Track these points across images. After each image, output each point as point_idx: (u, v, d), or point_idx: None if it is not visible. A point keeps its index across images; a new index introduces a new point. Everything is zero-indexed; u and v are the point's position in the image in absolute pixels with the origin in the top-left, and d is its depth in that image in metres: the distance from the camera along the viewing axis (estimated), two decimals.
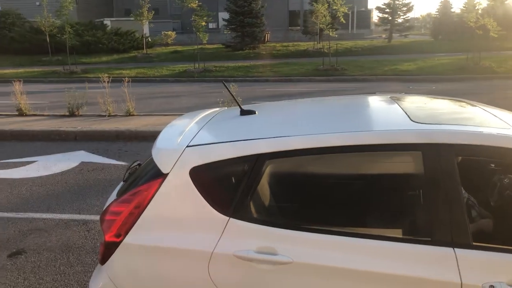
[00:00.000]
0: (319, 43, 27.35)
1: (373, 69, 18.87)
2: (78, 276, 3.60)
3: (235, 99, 2.65)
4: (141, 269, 2.05)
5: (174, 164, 2.04)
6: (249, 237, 1.96)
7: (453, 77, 16.87)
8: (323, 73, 18.66)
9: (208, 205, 1.99)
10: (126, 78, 9.51)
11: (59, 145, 7.54)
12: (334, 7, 18.75)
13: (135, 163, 2.70)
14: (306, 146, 2.03)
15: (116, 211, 2.10)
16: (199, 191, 2.00)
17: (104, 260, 2.12)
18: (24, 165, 6.50)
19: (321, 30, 19.44)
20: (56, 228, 4.47)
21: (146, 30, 30.05)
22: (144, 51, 25.84)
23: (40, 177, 5.98)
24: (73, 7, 20.62)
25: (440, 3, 38.22)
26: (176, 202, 2.03)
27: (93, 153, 7.06)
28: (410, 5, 28.96)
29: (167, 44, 30.96)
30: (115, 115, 9.28)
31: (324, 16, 18.82)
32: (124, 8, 45.59)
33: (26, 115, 9.46)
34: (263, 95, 14.04)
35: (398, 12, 28.85)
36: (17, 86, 9.59)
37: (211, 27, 44.50)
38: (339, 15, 19.04)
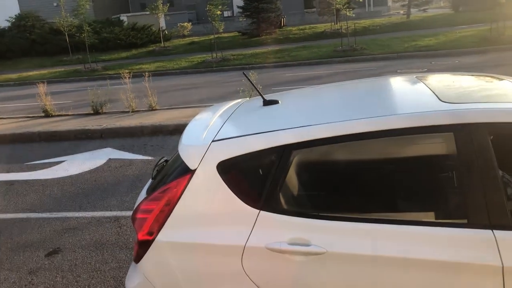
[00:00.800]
0: (337, 24, 26.97)
1: (393, 47, 18.49)
2: (114, 272, 3.68)
3: (256, 90, 2.62)
4: (175, 267, 2.05)
5: (201, 160, 2.03)
6: (280, 229, 1.95)
7: (476, 49, 16.40)
8: (342, 54, 18.39)
9: (238, 199, 1.99)
10: (147, 73, 9.60)
11: (86, 144, 7.68)
12: None
13: (162, 160, 2.72)
14: (333, 134, 1.99)
15: (147, 209, 2.11)
16: (227, 185, 2.00)
17: (138, 258, 2.14)
18: (54, 165, 6.64)
19: (338, 10, 19.07)
20: (89, 226, 4.57)
21: (162, 23, 30.19)
22: (162, 44, 25.95)
23: (70, 176, 6.11)
24: (89, 5, 20.79)
25: None
26: (206, 198, 2.02)
27: (119, 149, 7.16)
28: None
29: (183, 36, 30.97)
30: (138, 111, 9.37)
31: None
32: (140, 3, 45.76)
33: (52, 116, 9.65)
34: (284, 81, 13.96)
35: None
36: (42, 88, 9.78)
37: (226, 15, 44.34)
38: None
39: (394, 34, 22.83)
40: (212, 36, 21.53)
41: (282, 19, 30.44)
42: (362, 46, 18.81)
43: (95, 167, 6.41)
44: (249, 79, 2.73)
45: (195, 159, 2.05)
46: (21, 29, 27.41)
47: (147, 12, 25.19)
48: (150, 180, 2.59)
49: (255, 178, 2.03)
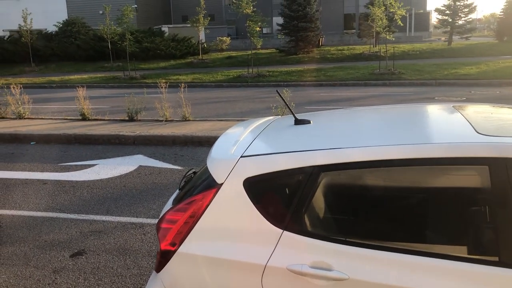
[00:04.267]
0: (375, 46, 26.83)
1: (432, 73, 18.20)
2: (135, 279, 3.70)
3: (289, 108, 2.61)
4: (194, 279, 2.06)
5: (229, 174, 2.03)
6: (303, 251, 1.92)
7: None
8: (379, 77, 18.24)
9: (262, 217, 1.97)
10: (182, 84, 9.76)
11: (118, 149, 7.83)
12: (391, 10, 18.25)
13: (191, 171, 2.74)
14: (365, 158, 1.96)
15: (171, 220, 2.12)
16: (253, 202, 1.99)
17: (159, 268, 2.15)
18: (86, 168, 6.80)
19: (378, 33, 18.99)
20: (115, 231, 4.63)
21: (202, 36, 30.76)
22: (200, 56, 26.42)
23: (101, 180, 6.23)
24: (133, 15, 21.43)
25: (506, 2, 36.36)
26: (230, 213, 2.02)
27: (150, 157, 7.27)
28: (473, 5, 27.70)
29: (222, 50, 31.47)
30: (172, 120, 9.52)
31: (381, 19, 18.38)
32: (182, 15, 46.96)
33: (89, 120, 9.91)
34: (317, 100, 13.93)
35: (459, 14, 27.64)
36: (81, 92, 10.08)
37: (265, 32, 44.88)
38: (397, 17, 18.53)
39: (434, 60, 22.52)
40: (250, 52, 21.75)
41: (321, 39, 30.55)
42: (400, 71, 18.61)
43: (125, 172, 6.52)
44: (281, 97, 2.73)
45: (222, 173, 2.05)
46: (67, 34, 28.50)
47: (188, 25, 25.75)
48: (177, 191, 2.60)
49: (281, 197, 2.02)
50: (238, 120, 9.55)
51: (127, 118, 9.73)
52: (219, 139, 2.54)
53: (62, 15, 35.19)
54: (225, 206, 2.02)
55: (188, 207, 2.09)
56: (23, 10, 24.96)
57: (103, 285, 3.64)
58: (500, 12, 31.95)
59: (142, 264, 3.93)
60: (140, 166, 6.82)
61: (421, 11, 41.37)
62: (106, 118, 10.03)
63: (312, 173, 1.97)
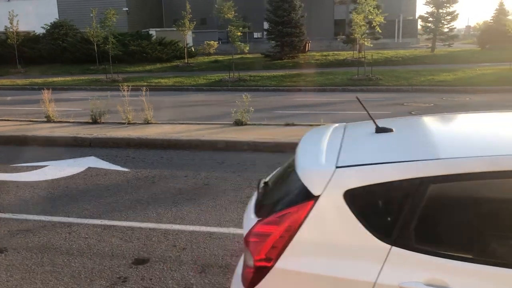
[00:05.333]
0: (360, 52, 27.05)
1: (409, 79, 18.41)
2: (45, 275, 3.84)
3: (370, 117, 2.45)
4: None
5: (326, 186, 1.93)
6: (415, 268, 1.81)
7: (492, 88, 16.17)
8: (357, 83, 18.44)
9: (367, 231, 1.86)
10: (144, 88, 9.93)
11: (74, 151, 7.97)
12: (370, 16, 18.47)
13: (262, 181, 2.62)
14: (482, 169, 1.82)
15: (263, 233, 2.01)
16: (355, 216, 1.88)
17: (252, 285, 2.02)
18: (36, 169, 6.93)
19: (357, 40, 19.21)
20: (42, 230, 4.77)
21: (189, 40, 30.95)
22: (186, 60, 26.58)
23: (45, 181, 6.37)
24: (116, 18, 21.59)
25: (496, 10, 36.64)
26: (331, 227, 1.92)
27: (102, 159, 7.41)
28: (455, 13, 27.99)
29: (209, 54, 31.64)
30: (134, 123, 9.66)
31: (360, 26, 18.59)
32: (174, 19, 47.14)
33: (53, 122, 10.05)
34: (290, 105, 14.10)
35: (442, 21, 27.94)
36: (46, 94, 10.21)
37: (256, 36, 45.13)
38: (375, 24, 18.75)
39: (414, 66, 22.74)
40: (231, 56, 21.94)
41: (307, 44, 30.74)
42: (378, 77, 18.81)
43: (72, 174, 6.66)
44: (362, 104, 2.55)
45: (318, 185, 1.95)
46: (55, 36, 28.62)
47: (174, 29, 25.93)
48: (253, 200, 2.48)
49: (387, 211, 1.91)
50: (202, 124, 9.71)
51: (90, 121, 9.87)
52: (300, 148, 2.41)
53: (54, 17, 35.30)
54: (325, 219, 1.93)
55: (282, 220, 1.97)
56: (9, 12, 25.12)
57: (13, 281, 3.77)
58: (490, 20, 32.35)
59: (57, 262, 4.06)
60: (89, 167, 6.96)
61: (410, 17, 41.72)
62: (71, 120, 10.18)
63: (421, 185, 1.85)
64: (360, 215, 1.88)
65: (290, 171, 2.37)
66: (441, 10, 27.59)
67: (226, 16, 20.12)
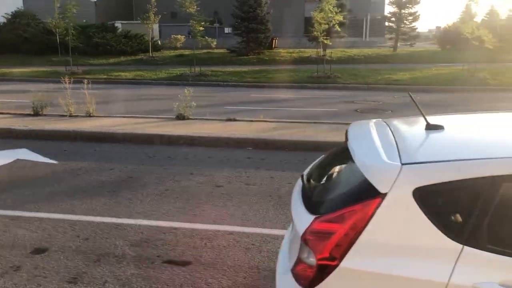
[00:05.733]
0: (325, 50, 27.36)
1: (366, 78, 18.78)
2: None
3: (422, 114, 2.42)
4: None
5: (393, 184, 1.88)
6: (488, 268, 1.79)
7: (445, 87, 16.65)
8: (316, 80, 18.70)
9: (438, 230, 1.83)
10: (86, 80, 9.87)
11: (7, 143, 7.89)
12: (330, 15, 18.73)
13: (305, 176, 2.61)
14: None
15: (325, 231, 1.97)
16: (425, 214, 1.84)
17: (313, 284, 1.98)
18: None
19: (316, 37, 19.45)
20: None
21: (156, 33, 30.70)
22: (150, 54, 26.39)
23: None
24: (78, 10, 21.28)
25: (462, 12, 37.26)
26: (399, 225, 1.88)
27: (34, 151, 7.37)
28: (417, 14, 28.65)
29: (176, 48, 31.41)
30: (76, 116, 9.63)
31: (320, 24, 18.82)
32: (144, 12, 46.61)
33: None
34: (245, 101, 14.24)
35: (404, 21, 28.54)
36: None
37: (227, 32, 45.04)
38: (334, 22, 19.02)
39: (376, 65, 23.15)
40: (204, 51, 21.92)
41: (274, 41, 30.91)
42: (337, 75, 19.10)
43: None
44: (414, 101, 2.53)
45: (385, 182, 1.90)
46: (15, 26, 27.98)
47: (138, 21, 25.71)
48: (298, 194, 2.45)
49: (458, 210, 1.87)
50: (144, 118, 9.72)
51: (32, 113, 9.78)
52: (354, 144, 2.36)
53: (18, 6, 34.42)
54: (393, 217, 1.88)
55: (346, 217, 1.93)
56: None
57: None
58: (456, 22, 33.22)
59: None
60: (18, 159, 6.93)
61: (379, 17, 42.31)
62: (12, 111, 10.07)
63: (493, 183, 1.82)
64: (430, 213, 1.84)
65: (344, 167, 2.37)
66: (403, 11, 28.19)
67: (187, 10, 20.05)
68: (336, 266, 1.92)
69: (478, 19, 21.16)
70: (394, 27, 28.56)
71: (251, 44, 27.03)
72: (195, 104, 9.63)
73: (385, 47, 33.85)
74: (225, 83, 18.82)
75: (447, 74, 19.01)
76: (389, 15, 29.01)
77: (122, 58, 26.47)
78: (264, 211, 4.95)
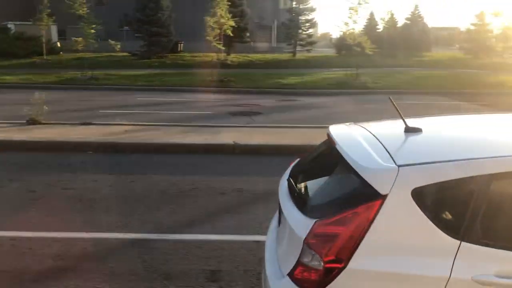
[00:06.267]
0: (229, 54, 27.79)
1: (258, 82, 19.29)
2: None
3: (401, 117, 2.49)
4: None
5: (393, 185, 1.95)
6: (484, 261, 1.90)
7: (328, 91, 17.47)
8: (210, 84, 18.82)
9: (437, 228, 1.92)
10: None
11: None
12: (222, 20, 19.03)
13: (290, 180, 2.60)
14: None
15: (329, 234, 2.01)
16: (424, 213, 1.93)
17: (321, 286, 2.01)
18: None
19: (210, 41, 19.67)
20: None
21: (54, 35, 29.43)
22: (44, 57, 25.24)
23: None
24: None
25: (367, 20, 39.80)
26: (401, 225, 1.96)
27: None
28: (313, 20, 29.99)
29: (77, 51, 30.30)
30: None
31: (213, 29, 19.05)
32: (47, 13, 44.38)
33: None
34: (128, 104, 13.98)
35: (302, 28, 29.73)
36: None
37: (138, 35, 44.22)
38: (226, 27, 19.35)
39: (273, 70, 23.87)
40: (99, 54, 21.27)
41: (179, 44, 30.83)
42: (231, 79, 19.41)
43: None
44: (394, 104, 2.59)
45: (385, 184, 1.96)
46: None
47: (30, 23, 24.52)
48: (287, 198, 2.48)
49: (453, 208, 1.99)
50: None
51: None
52: (345, 147, 2.38)
53: None
54: (394, 218, 1.95)
55: (349, 220, 1.97)
56: None
57: None
58: (362, 29, 35.10)
59: None
60: None
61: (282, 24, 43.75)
62: None
63: (484, 182, 1.94)
64: (428, 212, 1.92)
65: (336, 170, 2.39)
66: (300, 17, 29.33)
67: (77, 12, 19.43)
68: (343, 268, 1.96)
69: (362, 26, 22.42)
70: (293, 33, 29.58)
71: (154, 47, 26.77)
72: (47, 108, 9.35)
73: (290, 53, 35.03)
74: (116, 86, 18.41)
75: (333, 78, 20.02)
76: (287, 21, 29.98)
77: (14, 61, 25.10)
78: (66, 214, 4.90)
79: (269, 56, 29.20)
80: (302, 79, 20.16)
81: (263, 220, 4.34)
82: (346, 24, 18.67)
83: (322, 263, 1.99)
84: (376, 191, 1.96)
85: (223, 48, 19.88)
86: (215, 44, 19.29)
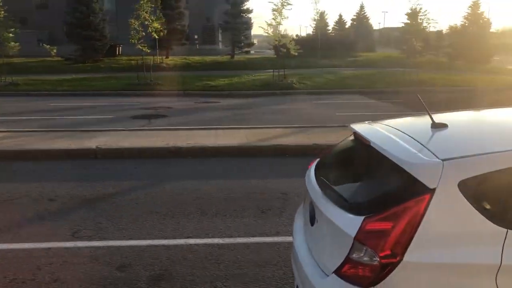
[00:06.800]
0: (168, 57, 27.50)
1: (186, 84, 19.07)
2: None
3: (428, 114, 2.55)
4: (426, 287, 2.04)
5: (440, 179, 2.03)
6: None
7: (253, 92, 17.48)
8: (136, 87, 18.49)
9: (485, 218, 2.00)
10: None
11: None
12: (146, 23, 18.75)
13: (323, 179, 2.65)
14: None
15: (380, 230, 2.06)
16: (471, 204, 2.01)
17: (374, 283, 2.05)
18: None
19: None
20: None
21: None
22: None
23: None
24: None
25: (314, 21, 39.99)
26: (450, 217, 2.04)
27: None
28: (251, 22, 30.08)
29: (11, 56, 29.29)
30: None
31: (138, 31, 18.72)
32: None
33: None
34: (36, 111, 13.52)
35: (240, 30, 29.75)
36: None
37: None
38: (151, 30, 19.07)
39: (212, 72, 23.74)
40: (34, 59, 20.50)
41: (118, 48, 30.28)
42: (158, 82, 19.15)
43: None
44: (422, 102, 2.67)
45: (432, 178, 2.03)
46: None
47: None
48: (323, 197, 2.51)
49: (498, 197, 2.08)
50: None
51: None
52: (383, 145, 2.39)
53: None
54: (444, 210, 2.03)
55: (400, 215, 2.03)
56: None
57: None
58: (313, 31, 35.54)
59: None
60: None
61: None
62: None
63: None
64: (475, 203, 2.00)
65: (373, 167, 2.46)
66: (238, 20, 29.35)
67: None
68: (399, 262, 2.01)
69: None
70: (230, 35, 29.56)
71: (88, 51, 26.15)
72: None
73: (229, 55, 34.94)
74: (36, 92, 17.79)
75: (262, 80, 20.05)
76: (224, 24, 29.95)
77: None
78: None
79: (207, 58, 29.01)
80: (231, 81, 20.09)
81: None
82: (270, 25, 18.68)
83: (378, 259, 2.04)
84: (424, 185, 2.04)
85: (149, 50, 19.47)
86: (139, 47, 18.95)
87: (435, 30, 33.26)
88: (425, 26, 20.80)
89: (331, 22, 57.32)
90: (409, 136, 2.44)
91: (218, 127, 9.41)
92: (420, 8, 19.31)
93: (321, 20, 54.70)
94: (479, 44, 27.55)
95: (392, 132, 2.57)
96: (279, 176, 6.41)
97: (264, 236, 4.41)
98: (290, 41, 18.55)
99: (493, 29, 41.75)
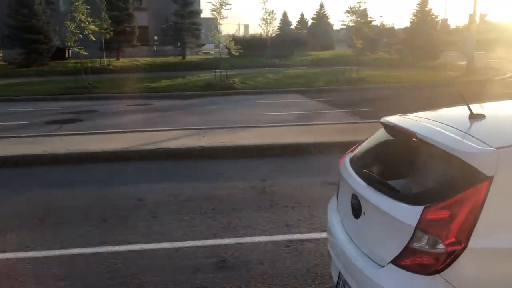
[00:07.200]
0: (118, 59, 27.00)
1: (126, 87, 18.75)
2: None
3: (467, 105, 2.60)
4: (491, 271, 2.07)
5: (497, 167, 2.07)
6: None
7: (193, 93, 17.32)
8: (72, 91, 18.04)
9: None
10: None
11: None
12: (82, 25, 18.34)
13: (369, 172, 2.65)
14: None
15: (442, 219, 2.10)
16: None
17: (440, 270, 2.08)
18: None
19: (68, 47, 18.92)
20: None
21: None
22: None
23: None
24: None
25: (280, 20, 39.98)
26: (510, 203, 2.08)
27: None
28: (199, 23, 29.82)
29: None
30: None
31: (74, 33, 18.27)
32: None
33: None
34: None
35: (190, 30, 29.50)
36: None
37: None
38: (88, 32, 18.67)
39: (155, 73, 23.41)
40: None
41: (67, 51, 29.61)
42: (96, 85, 18.75)
43: None
44: (461, 95, 2.71)
45: (490, 166, 2.08)
46: None
47: None
48: (365, 188, 2.56)
49: None
50: None
51: None
52: (433, 136, 2.40)
53: None
54: (504, 196, 2.07)
55: (461, 203, 2.07)
56: None
57: None
58: (277, 30, 35.43)
59: None
60: None
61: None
62: None
63: None
64: None
65: (426, 158, 2.45)
66: (187, 20, 29.08)
67: None
68: (463, 249, 2.04)
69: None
70: (180, 35, 29.26)
71: (33, 55, 25.46)
72: None
73: (196, 55, 34.64)
74: None
75: (205, 80, 19.84)
76: (172, 24, 29.63)
77: None
78: None
79: (158, 60, 28.64)
80: (173, 82, 19.85)
81: None
82: (214, 25, 18.54)
83: (444, 246, 2.08)
84: (483, 173, 2.08)
85: (86, 53, 19.00)
86: (76, 49, 18.51)
87: (388, 27, 33.71)
88: (365, 23, 20.91)
89: (294, 22, 57.54)
90: (452, 127, 2.48)
91: (114, 131, 9.18)
92: (359, 6, 19.30)
93: (284, 19, 55.07)
94: (428, 41, 27.96)
95: (433, 124, 2.61)
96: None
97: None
98: (230, 41, 18.40)
99: (454, 25, 42.77)
